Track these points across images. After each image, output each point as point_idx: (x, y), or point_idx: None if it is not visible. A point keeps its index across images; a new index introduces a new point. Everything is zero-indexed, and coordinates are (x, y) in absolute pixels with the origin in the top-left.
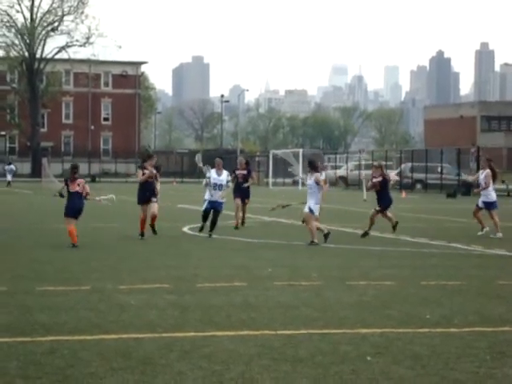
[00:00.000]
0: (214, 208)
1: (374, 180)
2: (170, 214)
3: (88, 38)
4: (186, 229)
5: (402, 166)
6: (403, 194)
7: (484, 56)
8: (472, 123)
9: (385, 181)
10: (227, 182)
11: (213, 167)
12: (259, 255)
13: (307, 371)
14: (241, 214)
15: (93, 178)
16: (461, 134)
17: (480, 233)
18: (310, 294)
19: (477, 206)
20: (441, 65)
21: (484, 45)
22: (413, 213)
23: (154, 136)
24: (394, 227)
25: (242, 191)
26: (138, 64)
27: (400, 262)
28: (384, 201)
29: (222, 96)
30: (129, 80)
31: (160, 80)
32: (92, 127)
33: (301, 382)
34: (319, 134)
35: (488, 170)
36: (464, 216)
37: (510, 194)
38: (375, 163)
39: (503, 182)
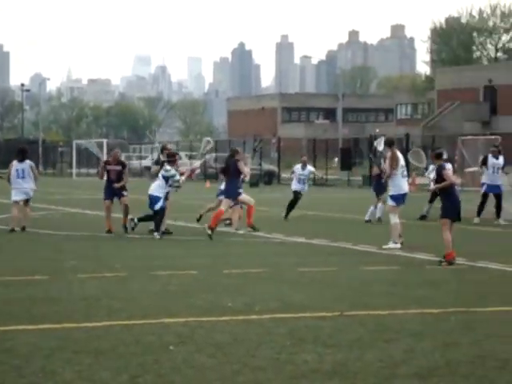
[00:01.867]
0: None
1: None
2: None
3: None
4: None
5: (207, 156)
6: (207, 184)
7: (284, 48)
8: (273, 114)
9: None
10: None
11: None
12: (63, 248)
13: (109, 363)
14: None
15: None
16: (263, 125)
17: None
18: (114, 285)
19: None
20: (243, 57)
21: (284, 37)
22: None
23: None
24: (199, 220)
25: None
26: None
27: (204, 251)
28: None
29: (23, 85)
30: None
31: None
32: None
33: (103, 374)
34: (124, 123)
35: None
36: (266, 205)
37: (316, 183)
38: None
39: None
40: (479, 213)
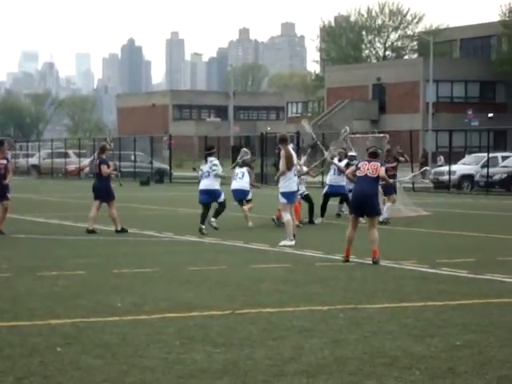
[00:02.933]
0: None
1: None
2: None
3: None
4: None
5: (95, 154)
6: None
7: (174, 45)
8: (164, 111)
9: None
10: None
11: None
12: None
13: None
14: None
15: None
16: (153, 123)
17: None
18: (0, 285)
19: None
20: (132, 53)
21: (174, 34)
22: None
23: None
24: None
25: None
26: None
27: (93, 251)
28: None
29: None
30: None
31: None
32: None
33: None
34: (10, 121)
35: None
36: (157, 203)
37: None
38: None
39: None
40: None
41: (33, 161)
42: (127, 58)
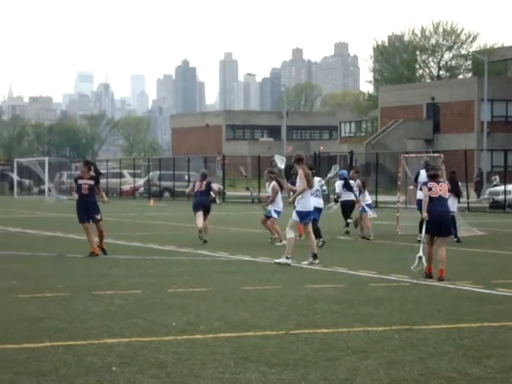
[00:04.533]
0: None
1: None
2: None
3: None
4: None
5: (150, 174)
6: (151, 202)
7: (228, 66)
8: (217, 132)
9: None
10: None
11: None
12: (2, 267)
13: None
14: None
15: None
16: (207, 143)
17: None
18: (56, 305)
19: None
20: (186, 74)
21: (228, 55)
22: (161, 220)
23: None
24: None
25: None
26: None
27: (148, 270)
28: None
29: None
30: None
31: None
32: None
33: None
34: (66, 141)
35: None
36: (211, 223)
37: (254, 201)
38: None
39: (247, 189)
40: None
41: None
42: (181, 78)
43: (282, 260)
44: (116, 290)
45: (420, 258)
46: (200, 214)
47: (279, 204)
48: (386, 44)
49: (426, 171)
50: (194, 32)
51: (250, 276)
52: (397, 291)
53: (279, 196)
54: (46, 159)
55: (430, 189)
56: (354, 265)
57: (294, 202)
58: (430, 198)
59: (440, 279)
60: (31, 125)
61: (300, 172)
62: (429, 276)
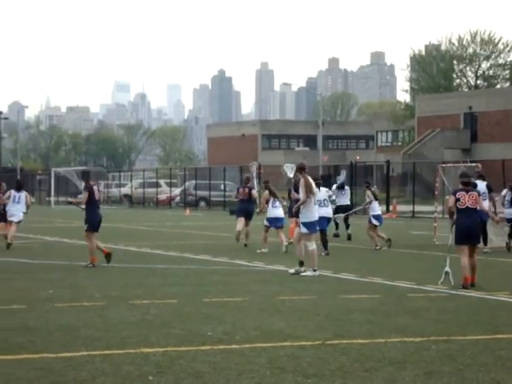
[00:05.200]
0: None
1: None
2: None
3: None
4: None
5: (186, 183)
6: (187, 212)
7: (264, 75)
8: (253, 141)
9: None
10: None
11: None
12: (40, 277)
13: None
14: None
15: None
16: (243, 152)
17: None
18: (92, 314)
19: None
20: (222, 84)
21: (264, 64)
22: (197, 230)
23: None
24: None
25: None
26: None
27: (183, 279)
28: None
29: (1, 113)
30: None
31: None
32: None
33: None
34: (102, 151)
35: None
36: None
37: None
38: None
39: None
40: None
41: (125, 190)
42: (217, 88)
43: (309, 273)
44: (152, 300)
45: (447, 272)
46: (241, 219)
47: (271, 212)
48: (423, 53)
49: (478, 179)
50: (231, 41)
51: (286, 286)
52: (434, 302)
53: (272, 204)
54: (83, 169)
55: (458, 199)
56: (390, 275)
57: (298, 211)
58: (458, 209)
59: (472, 285)
60: (68, 134)
61: (302, 181)
62: (466, 286)
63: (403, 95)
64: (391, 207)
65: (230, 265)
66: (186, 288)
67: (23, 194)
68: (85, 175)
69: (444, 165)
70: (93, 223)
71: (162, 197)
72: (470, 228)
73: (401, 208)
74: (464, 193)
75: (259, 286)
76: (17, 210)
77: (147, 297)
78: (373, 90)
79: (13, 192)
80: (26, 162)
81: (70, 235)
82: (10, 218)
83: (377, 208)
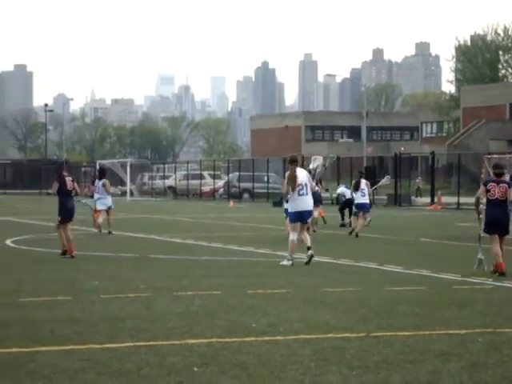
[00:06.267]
0: None
1: None
2: None
3: None
4: (9, 242)
5: (230, 175)
6: (231, 203)
7: (307, 67)
8: (297, 133)
9: None
10: None
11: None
12: (85, 268)
13: None
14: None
15: None
16: (286, 144)
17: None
18: (137, 305)
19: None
20: (266, 75)
21: (307, 55)
22: (240, 222)
23: None
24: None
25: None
26: None
27: (227, 271)
28: None
29: (46, 105)
30: None
31: None
32: None
33: None
34: (147, 143)
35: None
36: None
37: (333, 202)
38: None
39: (327, 190)
40: None
41: (169, 182)
42: (261, 80)
43: (285, 262)
44: (197, 291)
45: (480, 259)
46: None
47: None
48: (469, 44)
49: None
50: (274, 33)
51: (330, 277)
52: (480, 294)
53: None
54: (128, 161)
55: (488, 190)
56: (435, 267)
57: (286, 201)
58: (488, 200)
59: (502, 274)
60: (113, 127)
61: (287, 173)
62: (496, 272)
63: (448, 86)
64: (436, 199)
65: (273, 256)
66: (229, 279)
67: (100, 183)
68: (58, 167)
69: (489, 156)
70: (64, 215)
71: (206, 188)
72: (499, 219)
73: (446, 200)
74: (495, 184)
75: (303, 278)
76: (101, 198)
77: (192, 288)
78: (417, 80)
79: (96, 181)
80: (71, 154)
81: (115, 227)
82: (98, 208)
83: (359, 197)
